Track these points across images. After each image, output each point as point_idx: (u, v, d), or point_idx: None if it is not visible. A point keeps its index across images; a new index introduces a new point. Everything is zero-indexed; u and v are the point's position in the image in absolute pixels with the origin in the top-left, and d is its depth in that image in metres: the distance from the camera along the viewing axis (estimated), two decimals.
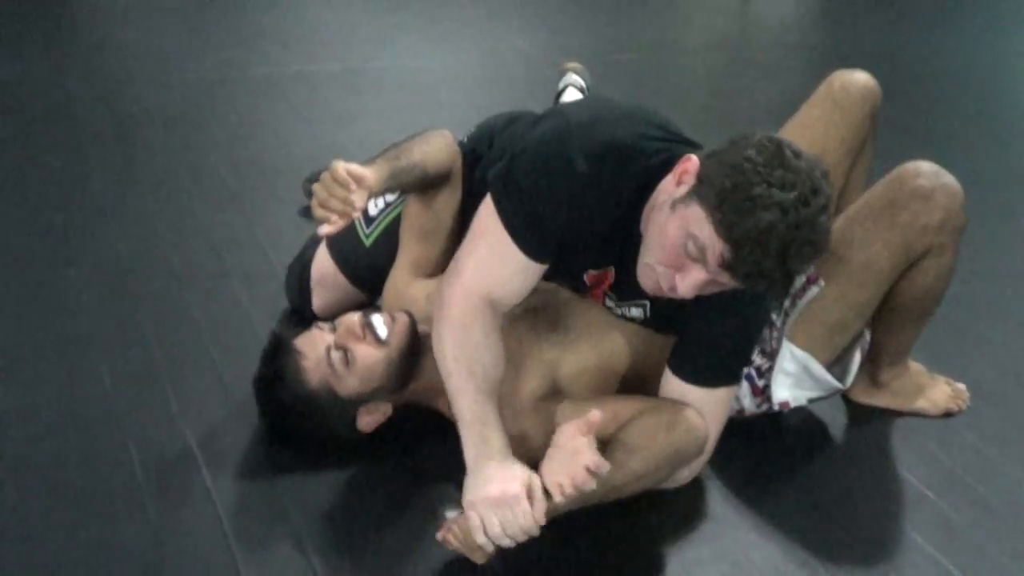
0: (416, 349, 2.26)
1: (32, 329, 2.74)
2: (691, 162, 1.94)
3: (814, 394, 2.44)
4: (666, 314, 2.20)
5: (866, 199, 2.38)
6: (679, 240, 1.89)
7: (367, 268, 2.65)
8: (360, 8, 5.82)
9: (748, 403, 2.43)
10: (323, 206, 2.14)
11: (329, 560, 2.06)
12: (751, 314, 2.18)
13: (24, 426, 2.38)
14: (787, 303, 2.36)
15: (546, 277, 2.24)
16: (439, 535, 2.01)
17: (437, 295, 2.15)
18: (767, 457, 2.44)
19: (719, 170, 1.85)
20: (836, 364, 2.44)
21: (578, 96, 3.83)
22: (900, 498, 2.32)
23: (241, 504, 2.20)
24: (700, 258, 1.87)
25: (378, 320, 2.25)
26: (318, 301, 2.74)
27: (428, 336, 2.28)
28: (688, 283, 1.91)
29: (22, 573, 2.00)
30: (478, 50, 5.32)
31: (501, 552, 1.97)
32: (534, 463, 1.98)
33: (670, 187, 1.97)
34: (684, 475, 2.22)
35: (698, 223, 1.86)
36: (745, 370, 2.32)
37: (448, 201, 2.48)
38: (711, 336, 2.15)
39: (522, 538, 1.93)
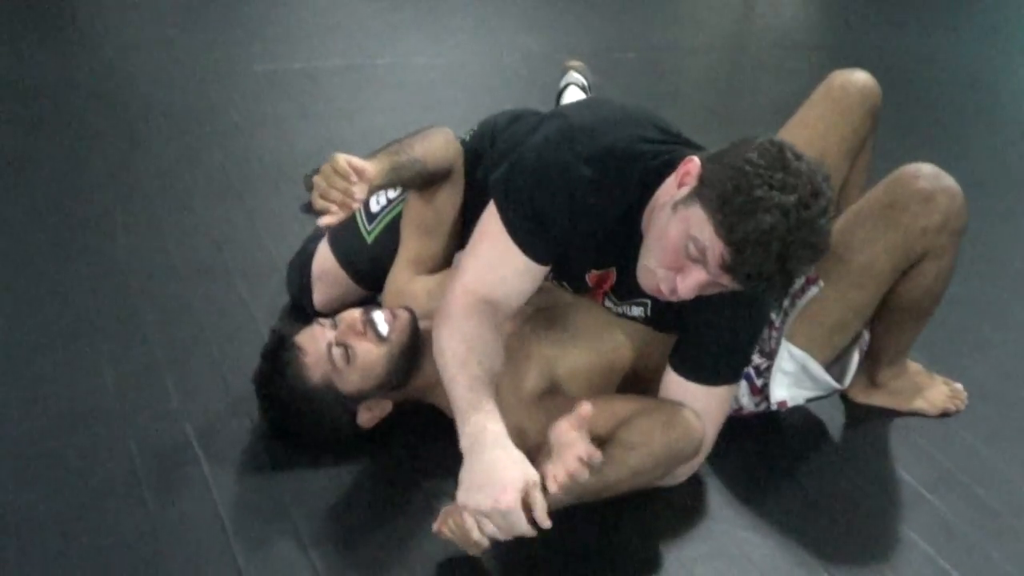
0: (417, 346, 2.27)
1: (33, 324, 2.74)
2: (692, 164, 1.94)
3: (812, 394, 2.45)
4: (667, 313, 2.20)
5: (866, 200, 2.38)
6: (680, 241, 1.90)
7: (368, 264, 2.66)
8: (364, 5, 5.81)
9: (746, 402, 2.43)
10: (323, 197, 2.15)
11: (328, 554, 2.07)
12: (752, 313, 2.18)
13: (25, 420, 2.39)
14: (786, 303, 2.37)
15: (548, 277, 2.25)
16: (434, 527, 2.01)
17: (440, 299, 2.15)
18: (765, 456, 2.45)
19: (720, 172, 1.86)
20: (835, 364, 2.44)
21: (580, 94, 3.83)
22: (897, 497, 2.33)
23: (241, 498, 2.21)
24: (701, 259, 1.88)
25: (379, 316, 2.26)
26: (319, 297, 2.74)
27: (429, 332, 2.28)
28: (688, 284, 1.92)
29: (22, 567, 2.00)
30: (481, 48, 5.32)
31: (498, 549, 1.98)
32: (531, 458, 1.99)
33: (671, 189, 1.98)
34: (682, 473, 2.23)
35: (699, 224, 1.86)
36: (744, 369, 2.32)
37: (449, 198, 2.49)
38: (712, 334, 2.16)
39: (517, 536, 1.91)
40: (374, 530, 2.15)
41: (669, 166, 2.05)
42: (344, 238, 2.67)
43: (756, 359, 2.37)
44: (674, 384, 2.20)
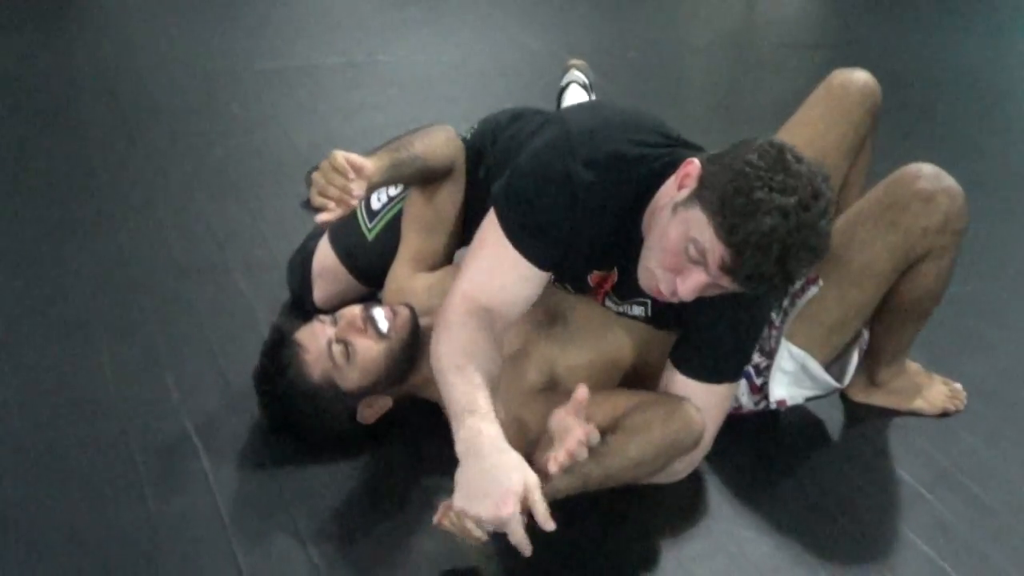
0: (417, 342, 2.27)
1: (34, 318, 2.74)
2: (693, 166, 1.94)
3: (812, 393, 2.45)
4: (667, 312, 2.20)
5: (867, 200, 2.38)
6: (680, 243, 1.90)
7: (369, 261, 2.65)
8: (365, 2, 5.81)
9: (746, 400, 2.44)
10: (321, 194, 2.15)
11: (327, 549, 2.08)
12: (752, 312, 2.18)
13: (24, 414, 2.39)
14: (786, 302, 2.37)
15: (550, 280, 2.25)
16: (435, 519, 1.98)
17: (441, 296, 2.15)
18: (764, 454, 2.45)
19: (721, 174, 1.86)
20: (834, 363, 2.45)
21: (581, 93, 3.83)
22: (896, 497, 2.33)
23: (240, 493, 2.21)
24: (701, 261, 1.88)
25: (379, 313, 2.26)
26: (319, 293, 2.74)
27: (429, 329, 2.29)
28: (688, 286, 1.92)
29: (21, 561, 2.01)
30: (483, 46, 5.31)
31: (496, 545, 1.98)
32: (531, 450, 1.99)
33: (671, 190, 1.98)
34: (681, 469, 2.23)
35: (699, 226, 1.87)
36: (744, 367, 2.33)
37: (450, 195, 2.49)
38: (713, 333, 2.17)
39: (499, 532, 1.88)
40: (373, 525, 2.15)
41: (669, 167, 2.05)
42: (345, 235, 2.68)
43: (756, 358, 2.37)
44: (675, 382, 2.20)
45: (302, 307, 2.76)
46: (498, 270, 2.10)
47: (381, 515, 2.18)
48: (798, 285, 2.33)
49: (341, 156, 2.15)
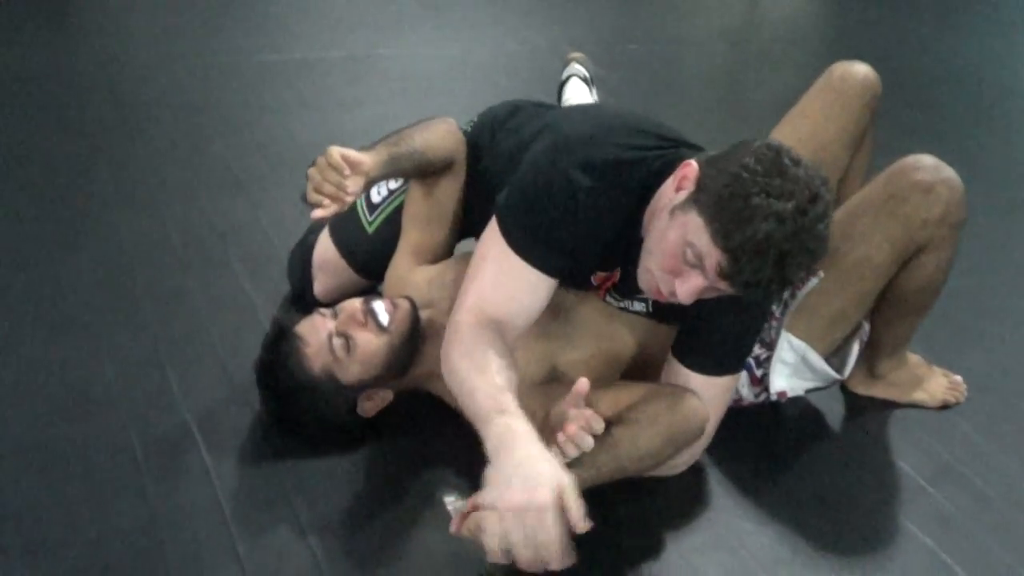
0: (418, 335, 2.27)
1: (35, 313, 2.74)
2: (690, 168, 1.94)
3: (812, 384, 2.45)
4: (668, 307, 2.20)
5: (866, 192, 2.39)
6: (678, 247, 1.90)
7: (369, 255, 2.66)
8: None
9: (746, 392, 2.44)
10: (317, 190, 2.14)
11: (328, 543, 2.08)
12: (755, 304, 2.18)
13: (26, 410, 2.39)
14: (787, 294, 2.37)
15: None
16: (452, 528, 1.88)
17: (440, 289, 2.14)
18: (765, 446, 2.45)
19: (717, 178, 1.86)
20: (834, 355, 2.45)
21: (582, 86, 3.83)
22: (896, 489, 2.34)
23: (241, 487, 2.21)
24: (698, 265, 1.88)
25: (379, 306, 2.26)
26: (319, 287, 2.74)
27: (429, 322, 2.29)
28: (687, 289, 1.92)
29: (23, 555, 2.01)
30: (484, 39, 5.31)
31: None
32: None
33: (670, 192, 1.98)
34: (682, 461, 2.24)
35: (696, 231, 1.87)
36: (746, 360, 2.33)
37: (450, 188, 2.48)
38: (714, 326, 2.17)
39: (543, 555, 1.74)
40: (374, 518, 2.15)
41: (668, 167, 2.05)
42: (345, 228, 2.68)
43: (756, 349, 2.37)
44: (676, 374, 2.21)
45: (302, 300, 2.76)
46: (506, 281, 2.09)
47: (382, 507, 2.18)
48: None
49: (337, 152, 2.14)
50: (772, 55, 5.55)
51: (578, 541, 2.08)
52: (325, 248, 2.72)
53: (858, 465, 2.41)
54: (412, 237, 2.52)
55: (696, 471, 2.30)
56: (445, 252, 2.54)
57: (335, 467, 2.28)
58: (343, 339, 2.22)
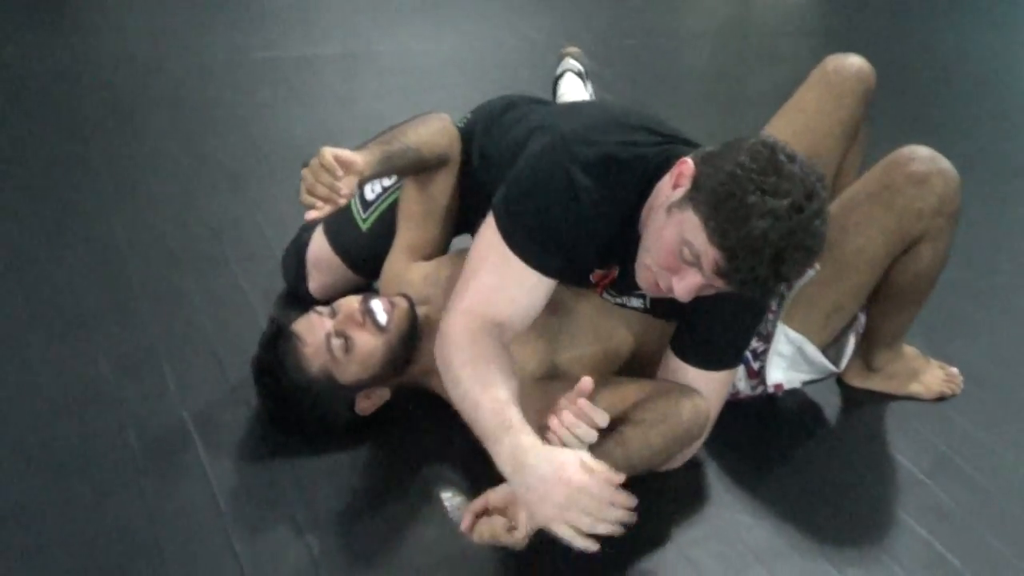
0: (415, 334, 2.27)
1: (30, 311, 2.74)
2: (686, 165, 1.94)
3: (809, 377, 2.45)
4: (666, 303, 2.20)
5: (862, 183, 2.39)
6: (675, 245, 1.90)
7: (363, 252, 2.66)
8: None
9: (743, 385, 2.44)
10: (310, 192, 2.14)
11: (325, 540, 2.08)
12: (751, 301, 2.18)
13: (22, 407, 2.39)
14: (783, 287, 2.37)
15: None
16: (463, 527, 1.95)
17: (441, 323, 2.10)
18: (761, 439, 2.45)
19: (713, 176, 1.85)
20: (831, 347, 2.45)
21: (576, 81, 3.82)
22: (892, 481, 2.34)
23: (237, 484, 2.21)
24: (695, 263, 1.88)
25: (377, 306, 2.25)
26: (314, 284, 2.74)
27: (426, 319, 2.29)
28: (684, 286, 1.92)
29: (19, 552, 2.01)
30: (480, 34, 5.31)
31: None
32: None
33: (666, 189, 1.98)
34: (680, 457, 2.24)
35: (693, 230, 1.86)
36: (743, 354, 2.33)
37: (445, 185, 2.48)
38: (712, 321, 2.17)
39: (614, 517, 1.85)
40: (371, 515, 2.15)
41: (666, 163, 2.05)
42: (339, 226, 2.67)
43: (753, 342, 2.37)
44: (674, 369, 2.21)
45: (298, 297, 2.76)
46: (505, 283, 2.07)
47: (379, 505, 2.18)
48: None
49: (329, 153, 2.13)
50: (767, 49, 5.55)
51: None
52: (319, 246, 2.72)
53: (855, 457, 2.41)
54: (407, 234, 2.52)
55: (693, 464, 2.30)
56: (440, 249, 2.53)
57: (332, 464, 2.28)
58: (341, 339, 2.21)
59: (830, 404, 2.58)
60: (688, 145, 2.13)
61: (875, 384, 2.59)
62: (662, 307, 2.25)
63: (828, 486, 2.31)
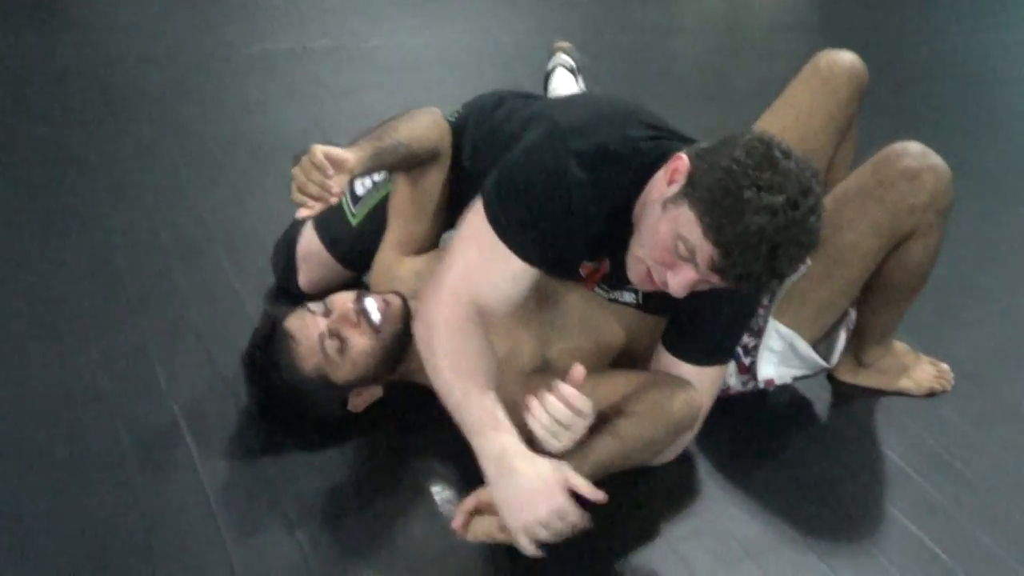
0: (409, 331, 2.26)
1: (19, 304, 2.74)
2: (681, 161, 1.93)
3: (799, 372, 2.45)
4: (658, 298, 2.20)
5: (853, 179, 2.39)
6: (670, 241, 1.90)
7: (353, 247, 2.65)
8: None
9: (734, 380, 2.44)
10: (301, 190, 2.13)
11: (315, 535, 2.08)
12: (744, 295, 2.18)
13: (12, 401, 2.39)
14: (774, 282, 2.37)
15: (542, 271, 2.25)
16: (457, 529, 1.98)
17: (420, 303, 2.09)
18: (752, 434, 2.45)
19: (708, 172, 1.85)
20: (822, 342, 2.45)
21: (568, 77, 3.82)
22: (883, 476, 2.34)
23: (228, 479, 2.21)
24: (690, 259, 1.88)
25: (372, 305, 2.24)
26: (304, 278, 2.74)
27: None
28: (679, 281, 1.92)
29: (9, 547, 2.01)
30: (472, 29, 5.31)
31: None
32: (525, 431, 1.99)
33: (661, 185, 1.97)
34: (671, 451, 2.24)
35: (688, 225, 1.86)
36: (735, 349, 2.33)
37: (435, 180, 2.47)
38: (704, 316, 2.17)
39: (568, 534, 1.91)
40: (361, 510, 2.15)
41: (660, 160, 2.04)
42: (329, 220, 2.67)
43: (744, 338, 2.37)
44: (666, 364, 2.21)
45: (287, 292, 2.76)
46: (489, 268, 2.06)
47: (369, 499, 2.18)
48: None
49: (320, 152, 2.12)
50: (759, 44, 5.55)
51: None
52: (309, 240, 2.71)
53: (845, 453, 2.41)
54: (397, 229, 2.51)
55: (683, 459, 2.30)
56: (430, 243, 2.52)
57: (322, 459, 2.28)
58: (336, 339, 2.21)
59: (821, 400, 2.58)
60: (683, 141, 2.13)
61: (866, 380, 2.59)
62: (654, 302, 2.25)
63: (818, 481, 2.31)
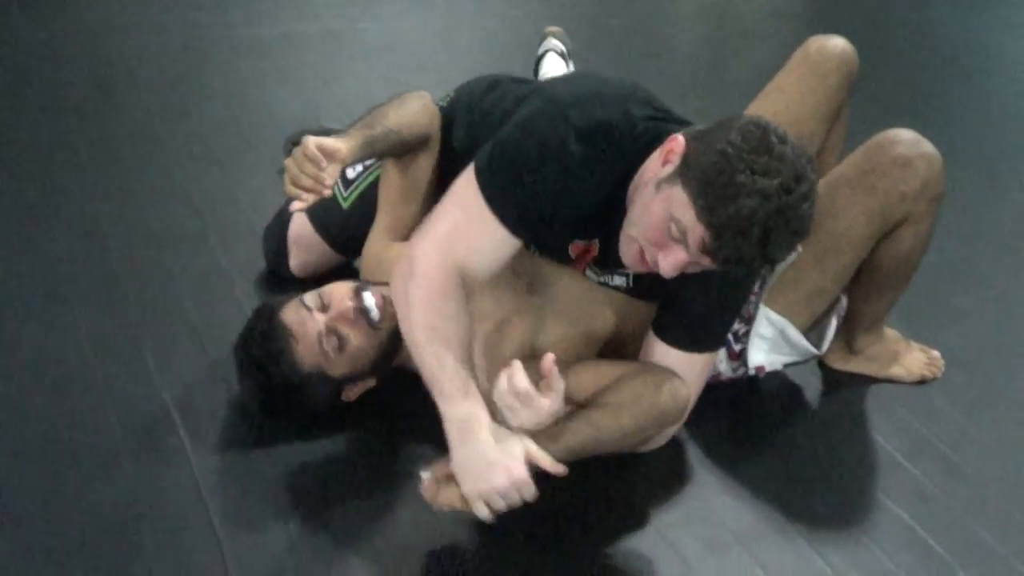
0: None
1: (10, 290, 2.73)
2: (676, 142, 1.93)
3: (790, 359, 2.46)
4: (649, 282, 2.19)
5: (845, 166, 2.38)
6: (662, 221, 1.89)
7: (344, 230, 2.65)
8: None
9: (724, 367, 2.44)
10: (294, 183, 2.13)
11: (306, 521, 2.08)
12: (736, 281, 2.18)
13: (2, 386, 2.38)
14: (765, 269, 2.37)
15: (531, 249, 2.24)
16: (425, 495, 1.99)
17: (405, 254, 2.09)
18: (743, 421, 2.46)
19: (703, 154, 1.85)
20: (812, 330, 2.45)
21: (559, 62, 3.81)
22: (873, 464, 2.34)
23: (218, 465, 2.21)
24: (682, 240, 1.88)
25: (371, 302, 2.22)
26: (295, 262, 2.74)
27: None
28: (670, 262, 1.92)
29: None
30: (464, 13, 5.29)
31: (477, 517, 1.98)
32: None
33: (656, 166, 1.97)
34: (660, 438, 2.24)
35: (681, 206, 1.86)
36: (725, 337, 2.33)
37: (425, 165, 2.46)
38: (695, 302, 2.16)
39: (519, 504, 1.94)
40: (352, 497, 2.15)
41: (655, 141, 2.03)
42: (320, 204, 2.61)
43: (735, 324, 2.37)
44: (655, 350, 2.20)
45: (279, 275, 2.75)
46: (473, 232, 2.04)
47: (359, 486, 2.18)
48: None
49: (313, 144, 2.12)
50: (750, 30, 5.54)
51: (557, 518, 2.10)
52: (300, 224, 2.71)
53: (835, 440, 2.41)
54: (387, 214, 2.50)
55: (673, 446, 2.30)
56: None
57: (313, 445, 2.28)
58: (334, 338, 2.19)
59: (811, 386, 2.58)
60: (680, 124, 2.12)
61: (857, 367, 2.59)
62: (644, 287, 2.25)
63: (809, 468, 2.31)
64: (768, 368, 2.43)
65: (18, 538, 2.00)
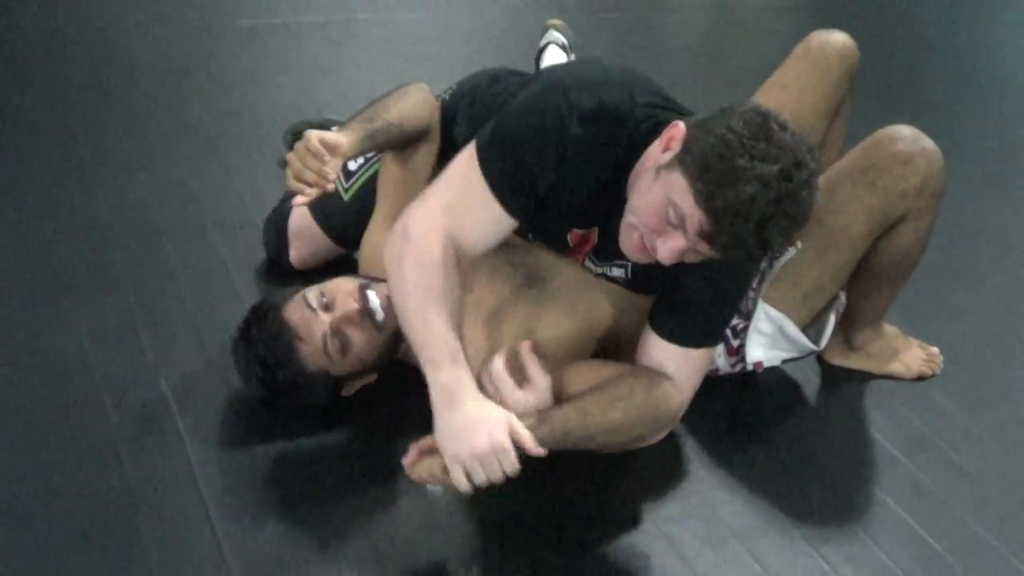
0: None
1: (8, 278, 2.72)
2: (677, 129, 1.93)
3: (788, 355, 2.45)
4: (648, 274, 2.19)
5: (845, 162, 2.38)
6: (661, 207, 1.89)
7: (345, 222, 2.65)
8: None
9: (722, 362, 2.44)
10: (297, 178, 2.13)
11: (302, 510, 2.08)
12: (734, 276, 2.18)
13: (0, 377, 2.38)
14: (764, 264, 2.36)
15: (529, 236, 2.23)
16: (406, 466, 1.99)
17: (398, 221, 2.08)
18: (740, 417, 2.46)
19: (704, 140, 1.84)
20: (811, 326, 2.45)
21: (560, 54, 3.80)
22: (871, 460, 2.34)
23: (215, 455, 2.20)
24: (680, 226, 1.88)
25: (375, 302, 2.21)
26: (295, 254, 2.74)
27: None
28: (668, 248, 1.92)
29: None
30: (464, 5, 5.28)
31: (473, 510, 1.98)
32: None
33: (656, 152, 1.97)
34: (650, 439, 2.23)
35: (680, 191, 1.85)
36: (723, 332, 2.32)
37: (425, 157, 2.46)
38: (693, 296, 2.15)
39: (499, 478, 1.91)
40: (350, 487, 2.15)
41: (656, 129, 2.03)
42: (321, 196, 2.65)
43: (733, 319, 2.37)
44: (653, 345, 2.19)
45: (278, 267, 2.74)
46: (471, 208, 2.04)
47: (356, 476, 2.18)
48: None
49: (315, 138, 2.12)
50: (751, 24, 5.53)
51: (553, 511, 2.10)
52: (301, 215, 2.71)
53: (833, 436, 2.42)
54: (387, 206, 2.50)
55: (671, 440, 2.30)
56: None
57: (310, 435, 2.27)
58: (338, 339, 2.19)
59: (810, 382, 2.58)
60: (682, 113, 2.12)
61: (855, 363, 2.59)
62: (643, 279, 2.24)
63: (807, 464, 2.31)
64: (766, 364, 2.43)
65: (15, 528, 1.99)
